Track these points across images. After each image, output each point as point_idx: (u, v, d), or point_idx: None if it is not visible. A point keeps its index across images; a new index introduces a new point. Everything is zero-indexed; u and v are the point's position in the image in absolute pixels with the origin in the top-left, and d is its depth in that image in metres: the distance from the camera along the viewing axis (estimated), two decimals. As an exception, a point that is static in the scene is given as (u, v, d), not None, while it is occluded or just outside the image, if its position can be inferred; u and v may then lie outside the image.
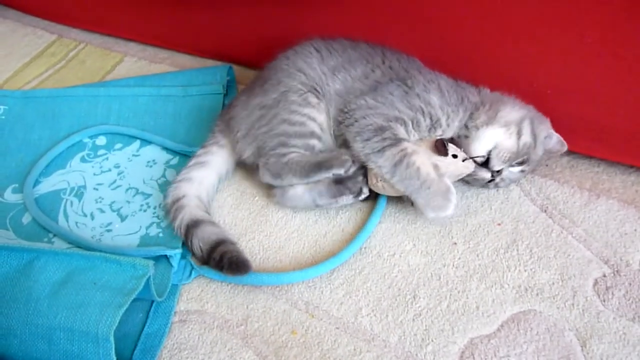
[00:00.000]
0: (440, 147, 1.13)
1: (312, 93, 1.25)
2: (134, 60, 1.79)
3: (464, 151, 1.15)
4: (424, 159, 1.11)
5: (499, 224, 1.18)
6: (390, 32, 1.31)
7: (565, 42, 1.11)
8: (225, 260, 1.10)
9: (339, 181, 1.19)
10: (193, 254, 1.18)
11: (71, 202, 1.38)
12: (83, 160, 1.48)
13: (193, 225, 1.18)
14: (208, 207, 1.26)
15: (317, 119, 1.24)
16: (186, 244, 1.19)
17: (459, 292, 1.08)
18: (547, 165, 1.28)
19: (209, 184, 1.29)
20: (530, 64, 1.17)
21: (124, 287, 1.03)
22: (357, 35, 1.32)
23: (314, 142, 1.23)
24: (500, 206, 1.21)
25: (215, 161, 1.31)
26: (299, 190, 1.22)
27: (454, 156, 1.13)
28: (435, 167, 1.11)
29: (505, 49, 1.18)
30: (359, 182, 1.19)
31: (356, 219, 1.23)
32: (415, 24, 1.26)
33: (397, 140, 1.12)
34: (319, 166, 1.16)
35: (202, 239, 1.16)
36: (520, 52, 1.17)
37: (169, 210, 1.23)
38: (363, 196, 1.19)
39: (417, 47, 1.28)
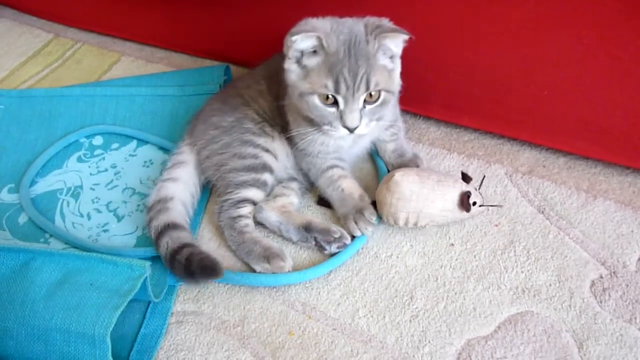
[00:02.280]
0: (465, 203, 1.13)
1: (268, 122, 1.26)
2: (130, 60, 1.78)
3: None
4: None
5: (497, 225, 1.18)
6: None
7: (562, 43, 1.11)
8: (195, 264, 1.08)
9: (308, 228, 1.18)
10: (157, 251, 1.16)
11: (68, 202, 1.38)
12: (79, 160, 1.47)
13: (171, 227, 1.17)
14: (191, 214, 1.26)
15: (271, 149, 1.25)
16: (155, 243, 1.17)
17: (456, 293, 1.08)
18: (544, 167, 1.28)
19: (194, 183, 1.29)
20: (526, 65, 1.17)
21: (121, 288, 1.02)
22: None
23: (266, 176, 1.23)
24: (496, 207, 1.21)
25: (192, 160, 1.30)
26: (273, 217, 1.22)
27: (474, 204, 1.15)
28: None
29: (502, 50, 1.18)
30: (331, 235, 1.15)
31: (353, 219, 1.22)
32: (416, 25, 1.26)
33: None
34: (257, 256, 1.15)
35: (173, 238, 1.15)
36: (517, 53, 1.17)
37: (151, 208, 1.21)
38: (333, 250, 1.16)
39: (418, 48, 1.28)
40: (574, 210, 1.18)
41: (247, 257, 1.16)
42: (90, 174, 1.43)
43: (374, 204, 1.20)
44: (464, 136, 1.38)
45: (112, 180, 1.41)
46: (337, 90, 1.04)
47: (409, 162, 1.27)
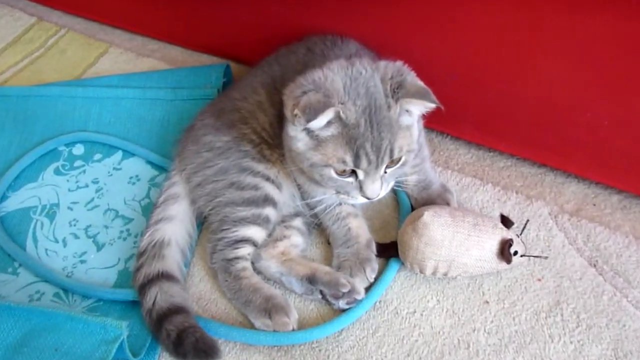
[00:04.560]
0: (507, 252, 0.96)
1: (266, 143, 1.07)
2: (119, 52, 1.59)
3: None
4: None
5: (539, 280, 1.00)
6: (388, 25, 1.13)
7: (636, 68, 0.91)
8: (188, 344, 0.91)
9: (313, 279, 1.01)
10: (141, 303, 0.99)
11: (42, 224, 1.21)
12: (57, 172, 1.30)
13: (164, 277, 1.00)
14: (188, 258, 1.10)
15: (273, 177, 1.07)
16: (139, 292, 1.00)
17: (491, 366, 0.91)
18: (594, 205, 1.09)
19: (190, 220, 1.11)
20: (588, 89, 0.98)
21: (92, 355, 0.87)
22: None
23: (268, 211, 1.05)
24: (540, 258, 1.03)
25: (186, 191, 1.12)
26: (272, 267, 1.04)
27: (515, 253, 0.98)
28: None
29: (559, 68, 1.00)
30: (339, 289, 0.98)
31: (370, 264, 1.04)
32: (450, 34, 1.06)
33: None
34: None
35: (164, 292, 0.98)
36: (577, 75, 0.98)
37: (143, 253, 1.04)
38: (342, 306, 0.99)
39: (451, 59, 1.09)
40: (632, 265, 1.00)
41: (244, 308, 0.99)
42: (69, 190, 1.27)
43: (394, 245, 1.02)
44: (499, 162, 1.19)
45: (92, 199, 1.25)
46: (357, 165, 0.89)
47: (437, 197, 1.08)
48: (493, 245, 0.97)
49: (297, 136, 0.91)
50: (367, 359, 0.94)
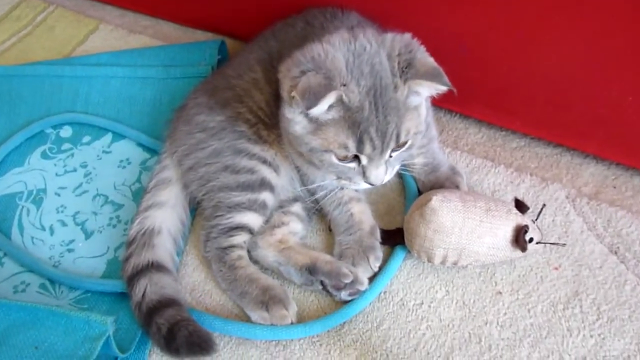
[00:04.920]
0: (522, 240, 0.89)
1: (263, 123, 1.00)
2: (110, 29, 1.51)
3: None
4: None
5: (556, 268, 0.93)
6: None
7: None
8: (180, 338, 0.84)
9: (313, 269, 0.94)
10: (130, 295, 0.93)
11: (28, 210, 1.15)
12: (44, 156, 1.24)
13: (154, 267, 0.94)
14: (181, 247, 1.03)
15: (270, 159, 0.99)
16: (128, 283, 0.94)
17: (505, 361, 0.85)
18: (614, 187, 1.02)
19: (183, 206, 1.05)
20: (610, 63, 0.90)
21: (74, 353, 0.81)
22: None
23: (265, 196, 0.98)
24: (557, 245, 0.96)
25: (179, 175, 1.05)
26: (270, 256, 0.98)
27: (530, 240, 0.91)
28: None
29: (577, 42, 0.91)
30: (341, 279, 0.91)
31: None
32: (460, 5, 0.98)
33: None
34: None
35: (154, 284, 0.92)
36: (598, 47, 0.90)
37: (132, 241, 0.98)
38: (344, 297, 0.92)
39: (461, 31, 1.01)
40: (656, 252, 0.93)
41: (240, 300, 0.93)
42: (56, 175, 1.21)
43: (399, 232, 0.96)
44: (511, 142, 1.12)
45: (81, 184, 1.19)
46: (360, 151, 0.82)
47: (445, 180, 1.01)
48: (507, 232, 0.90)
49: (294, 119, 0.84)
50: (370, 353, 0.88)
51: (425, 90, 0.83)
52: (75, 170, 1.20)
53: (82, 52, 1.46)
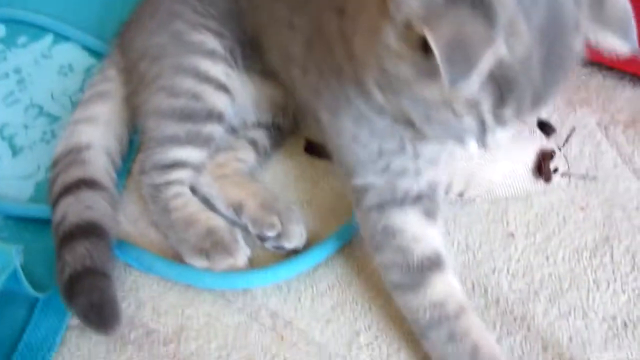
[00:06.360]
0: (546, 168, 0.73)
1: (216, 31, 0.79)
2: None
3: None
4: None
5: (583, 209, 0.77)
6: None
7: None
8: (82, 297, 0.68)
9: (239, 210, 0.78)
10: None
11: (-52, 122, 0.96)
12: (-29, 58, 1.05)
13: (86, 183, 0.76)
14: (118, 166, 0.84)
15: (229, 84, 0.79)
16: (54, 205, 0.77)
17: (515, 319, 0.69)
18: (654, 113, 0.85)
19: (122, 122, 0.85)
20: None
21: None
22: None
23: (210, 128, 0.78)
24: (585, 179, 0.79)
25: (122, 88, 0.86)
26: (204, 183, 0.80)
27: (555, 170, 0.74)
28: None
29: None
30: (263, 230, 0.75)
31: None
32: None
33: None
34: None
35: (80, 202, 0.74)
36: None
37: (57, 162, 0.80)
38: (270, 248, 0.77)
39: None
40: None
41: (179, 246, 0.76)
42: (-16, 80, 1.01)
43: None
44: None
45: (12, 92, 1.02)
46: (498, 115, 0.54)
47: None
48: (528, 158, 0.73)
49: (400, 50, 0.51)
50: (349, 304, 0.72)
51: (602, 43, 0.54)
52: (7, 75, 1.03)
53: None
